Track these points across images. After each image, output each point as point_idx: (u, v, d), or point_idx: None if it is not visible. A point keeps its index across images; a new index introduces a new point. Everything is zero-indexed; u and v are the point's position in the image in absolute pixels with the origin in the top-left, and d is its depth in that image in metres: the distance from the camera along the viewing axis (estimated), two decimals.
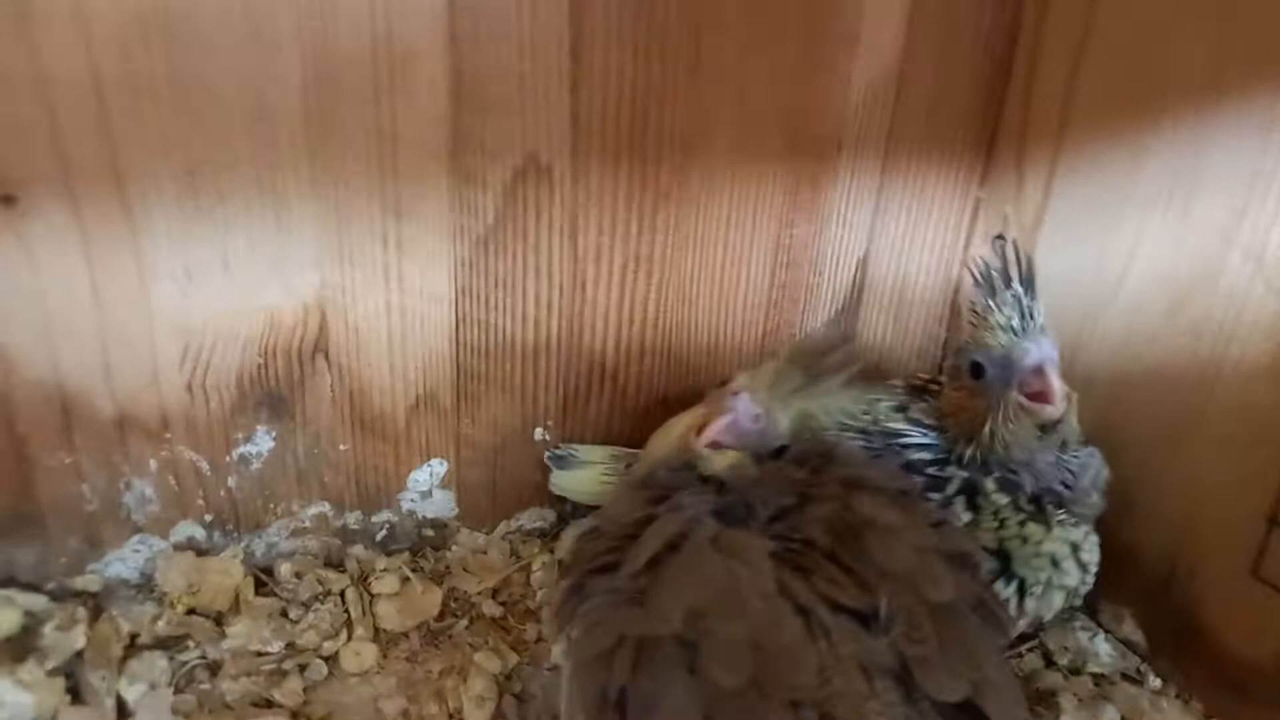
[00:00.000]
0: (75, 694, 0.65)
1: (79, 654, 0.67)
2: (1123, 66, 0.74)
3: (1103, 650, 0.77)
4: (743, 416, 0.68)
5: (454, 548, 0.83)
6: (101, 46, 0.59)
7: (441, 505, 0.82)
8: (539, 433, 0.82)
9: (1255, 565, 0.67)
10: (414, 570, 0.79)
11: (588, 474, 0.82)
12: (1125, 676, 0.76)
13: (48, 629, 0.68)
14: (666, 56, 0.72)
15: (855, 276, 0.89)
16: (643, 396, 0.84)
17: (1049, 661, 0.77)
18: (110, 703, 0.64)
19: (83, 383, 0.67)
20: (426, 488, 0.80)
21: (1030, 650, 0.78)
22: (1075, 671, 0.76)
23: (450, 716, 0.67)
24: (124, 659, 0.68)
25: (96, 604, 0.72)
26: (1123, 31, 0.74)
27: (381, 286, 0.72)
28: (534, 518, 0.85)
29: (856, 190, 0.85)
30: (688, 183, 0.77)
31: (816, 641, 0.55)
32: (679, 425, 0.72)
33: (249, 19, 0.61)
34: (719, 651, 0.53)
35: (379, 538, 0.81)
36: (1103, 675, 0.76)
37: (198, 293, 0.67)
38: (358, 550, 0.80)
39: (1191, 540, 0.72)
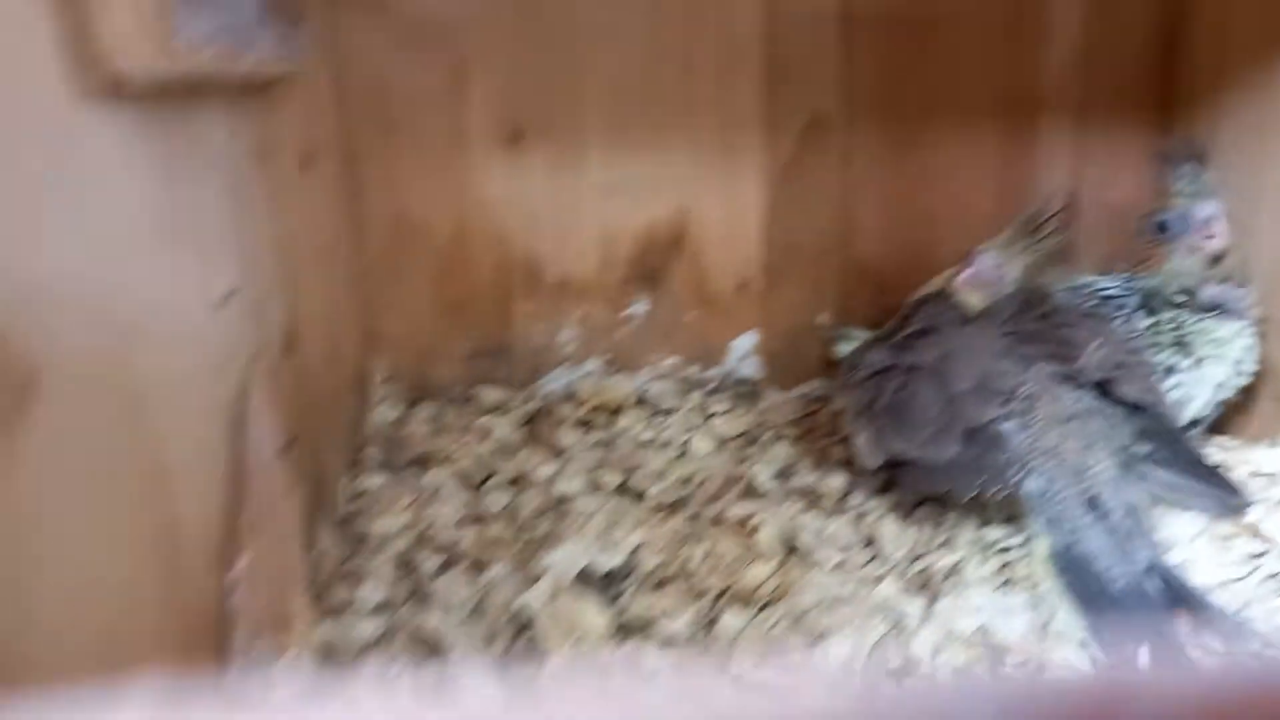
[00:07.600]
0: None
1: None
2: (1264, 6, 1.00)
3: None
4: (986, 267, 1.01)
5: (762, 403, 1.18)
6: None
7: (753, 368, 1.18)
8: (820, 318, 1.17)
9: None
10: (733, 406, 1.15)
11: None
12: None
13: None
14: (909, 47, 1.09)
15: None
16: (897, 295, 1.16)
17: None
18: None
19: (543, 258, 1.11)
20: (743, 353, 1.17)
21: None
22: None
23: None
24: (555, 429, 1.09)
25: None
26: None
27: (721, 202, 1.12)
28: (817, 387, 1.19)
29: (1057, 146, 1.15)
30: (924, 133, 1.12)
31: (1027, 369, 0.86)
32: (941, 277, 1.05)
33: None
34: (957, 370, 0.86)
35: (710, 389, 1.18)
36: None
37: (609, 204, 1.10)
38: (694, 395, 1.17)
39: None
